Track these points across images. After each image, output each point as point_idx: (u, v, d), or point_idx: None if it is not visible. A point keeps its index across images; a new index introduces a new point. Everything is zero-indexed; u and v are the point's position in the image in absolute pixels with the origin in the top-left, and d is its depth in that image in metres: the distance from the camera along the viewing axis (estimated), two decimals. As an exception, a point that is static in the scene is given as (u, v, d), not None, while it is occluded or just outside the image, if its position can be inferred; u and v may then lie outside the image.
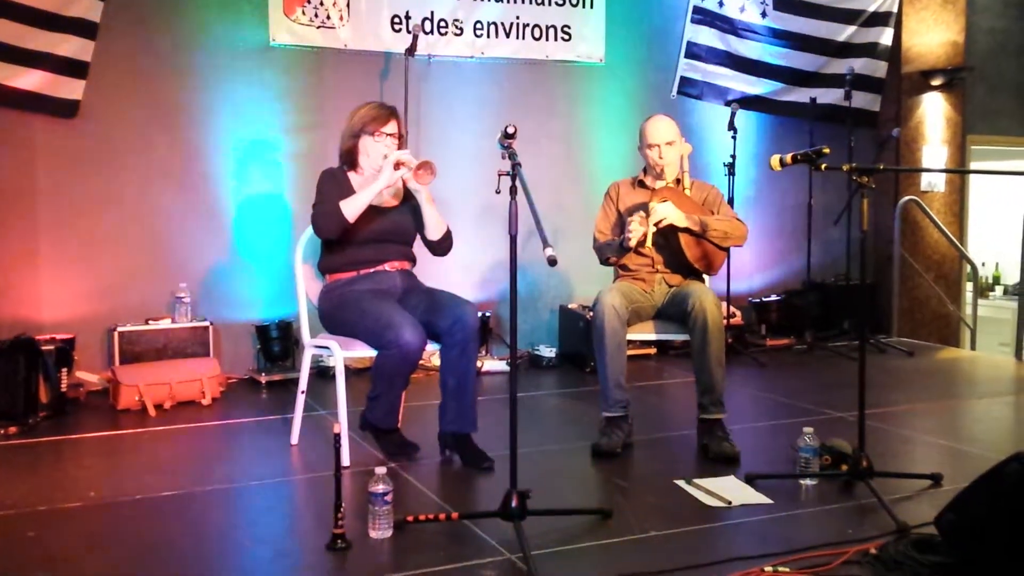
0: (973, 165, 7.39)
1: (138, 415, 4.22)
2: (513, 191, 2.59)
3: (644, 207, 3.69)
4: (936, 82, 6.72)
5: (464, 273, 5.38)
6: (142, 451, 3.72)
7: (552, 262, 2.41)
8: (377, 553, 2.52)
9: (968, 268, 6.97)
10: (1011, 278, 8.52)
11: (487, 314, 5.39)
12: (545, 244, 2.44)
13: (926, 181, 6.77)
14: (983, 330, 6.84)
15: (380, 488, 2.59)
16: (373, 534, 2.60)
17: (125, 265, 4.85)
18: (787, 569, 2.32)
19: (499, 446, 3.09)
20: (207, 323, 4.82)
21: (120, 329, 4.63)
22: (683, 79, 6.15)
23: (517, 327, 2.65)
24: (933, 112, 6.79)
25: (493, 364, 5.21)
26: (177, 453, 3.70)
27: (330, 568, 2.44)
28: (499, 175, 2.62)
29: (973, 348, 6.50)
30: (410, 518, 2.66)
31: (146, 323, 4.72)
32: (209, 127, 5.01)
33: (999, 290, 8.66)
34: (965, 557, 2.30)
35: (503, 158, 2.66)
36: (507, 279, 2.60)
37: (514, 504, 2.51)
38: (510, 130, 2.66)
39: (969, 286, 7.09)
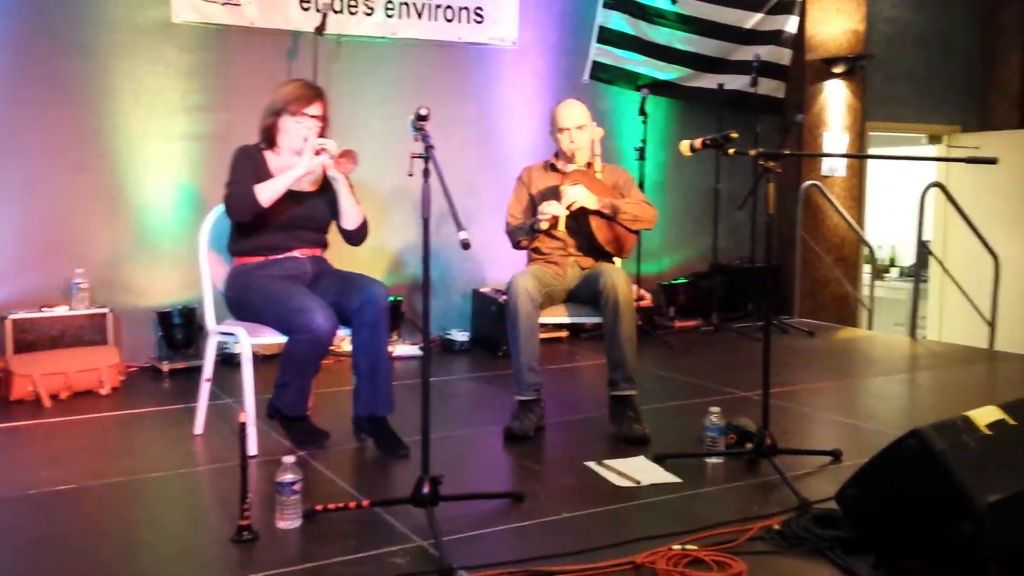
0: (872, 151, 7.66)
1: (32, 406, 4.04)
2: (426, 174, 2.56)
3: (556, 191, 3.71)
4: (838, 70, 6.92)
5: (374, 257, 5.31)
6: (37, 444, 3.56)
7: (466, 245, 2.39)
8: (285, 544, 2.47)
9: (866, 251, 7.22)
10: (906, 260, 8.89)
11: (399, 298, 5.35)
12: (459, 227, 2.42)
13: (827, 166, 6.97)
14: (880, 310, 7.11)
15: (288, 477, 2.53)
16: (281, 524, 2.54)
17: (18, 250, 4.63)
18: (695, 547, 2.37)
19: (411, 431, 3.06)
20: (106, 310, 4.64)
21: (12, 317, 4.41)
22: (595, 64, 6.18)
23: (430, 311, 2.64)
24: (835, 99, 6.99)
25: (405, 349, 5.17)
26: (74, 445, 3.55)
27: (236, 561, 2.38)
28: (412, 158, 2.59)
29: (870, 328, 6.76)
30: (319, 507, 2.61)
31: (40, 310, 4.52)
32: (108, 107, 4.81)
33: (895, 272, 9.02)
34: (865, 531, 2.38)
35: (416, 140, 2.62)
36: (419, 263, 2.58)
37: (426, 490, 2.49)
38: (423, 112, 2.62)
39: (867, 268, 7.36)
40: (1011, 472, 2.27)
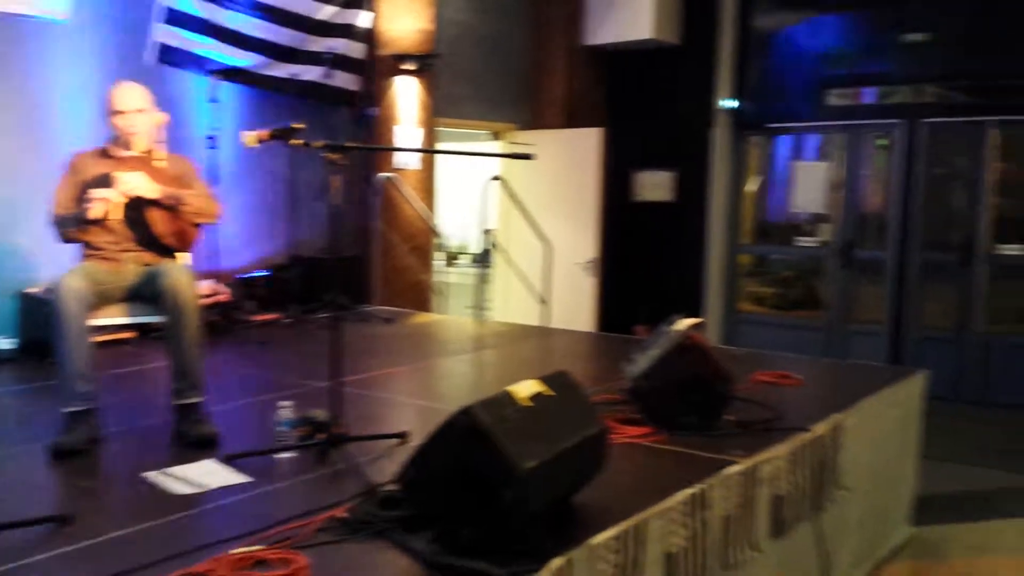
0: (441, 146, 8.10)
1: None
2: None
3: (109, 179, 3.44)
4: (408, 66, 7.20)
5: None
6: None
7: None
8: None
9: (439, 240, 7.65)
10: (475, 248, 9.58)
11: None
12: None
13: (399, 159, 7.25)
14: (452, 295, 7.58)
15: None
16: None
17: None
18: (261, 547, 2.31)
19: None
20: None
21: None
22: (161, 46, 5.79)
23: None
24: (406, 95, 7.27)
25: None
26: None
27: None
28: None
29: (444, 312, 7.17)
30: None
31: None
32: None
33: (465, 259, 9.68)
34: (424, 508, 2.49)
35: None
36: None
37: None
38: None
39: (441, 256, 7.80)
40: (547, 439, 2.53)
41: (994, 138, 7.59)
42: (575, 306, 7.85)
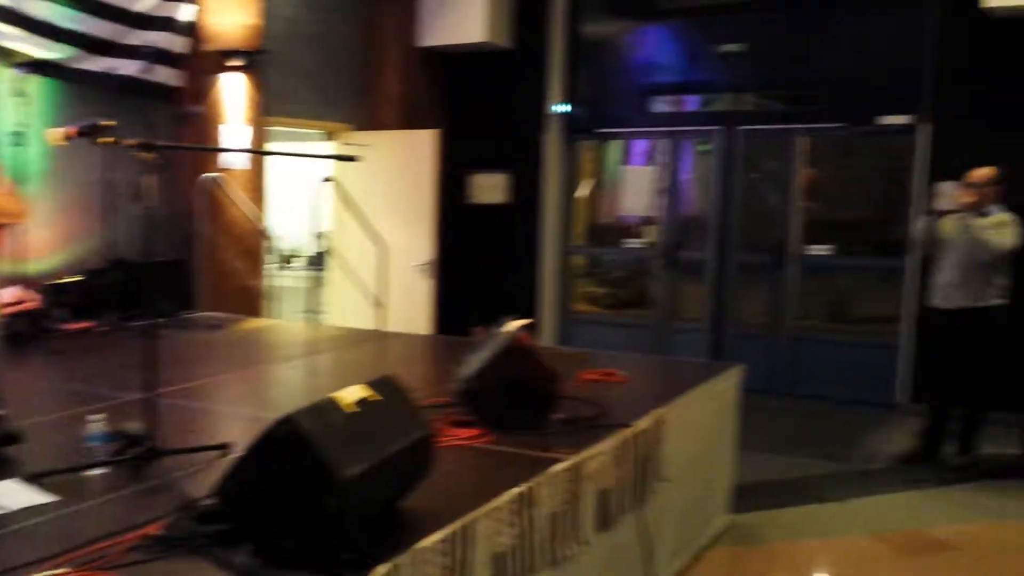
0: (272, 146, 7.89)
1: None
2: None
3: None
4: (235, 62, 6.96)
5: None
6: None
7: None
8: None
9: (269, 242, 7.45)
10: (310, 250, 9.39)
11: None
12: None
13: (226, 159, 7.01)
14: (286, 299, 7.40)
15: None
16: None
17: None
18: (67, 569, 2.18)
19: None
20: None
21: None
22: (-43, 35, 5.38)
23: None
24: (233, 92, 7.03)
25: None
26: None
27: None
28: None
29: (276, 318, 6.99)
30: None
31: None
32: None
33: (300, 262, 9.48)
34: (244, 520, 2.42)
35: None
36: None
37: None
38: None
39: (273, 259, 7.60)
40: (372, 444, 2.51)
41: (803, 144, 8.13)
42: (411, 309, 7.82)
